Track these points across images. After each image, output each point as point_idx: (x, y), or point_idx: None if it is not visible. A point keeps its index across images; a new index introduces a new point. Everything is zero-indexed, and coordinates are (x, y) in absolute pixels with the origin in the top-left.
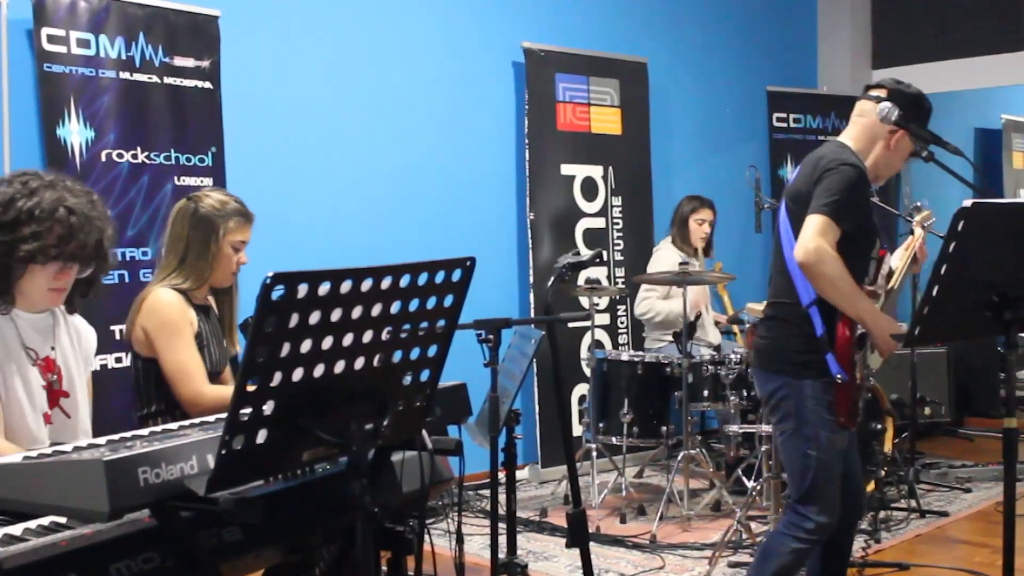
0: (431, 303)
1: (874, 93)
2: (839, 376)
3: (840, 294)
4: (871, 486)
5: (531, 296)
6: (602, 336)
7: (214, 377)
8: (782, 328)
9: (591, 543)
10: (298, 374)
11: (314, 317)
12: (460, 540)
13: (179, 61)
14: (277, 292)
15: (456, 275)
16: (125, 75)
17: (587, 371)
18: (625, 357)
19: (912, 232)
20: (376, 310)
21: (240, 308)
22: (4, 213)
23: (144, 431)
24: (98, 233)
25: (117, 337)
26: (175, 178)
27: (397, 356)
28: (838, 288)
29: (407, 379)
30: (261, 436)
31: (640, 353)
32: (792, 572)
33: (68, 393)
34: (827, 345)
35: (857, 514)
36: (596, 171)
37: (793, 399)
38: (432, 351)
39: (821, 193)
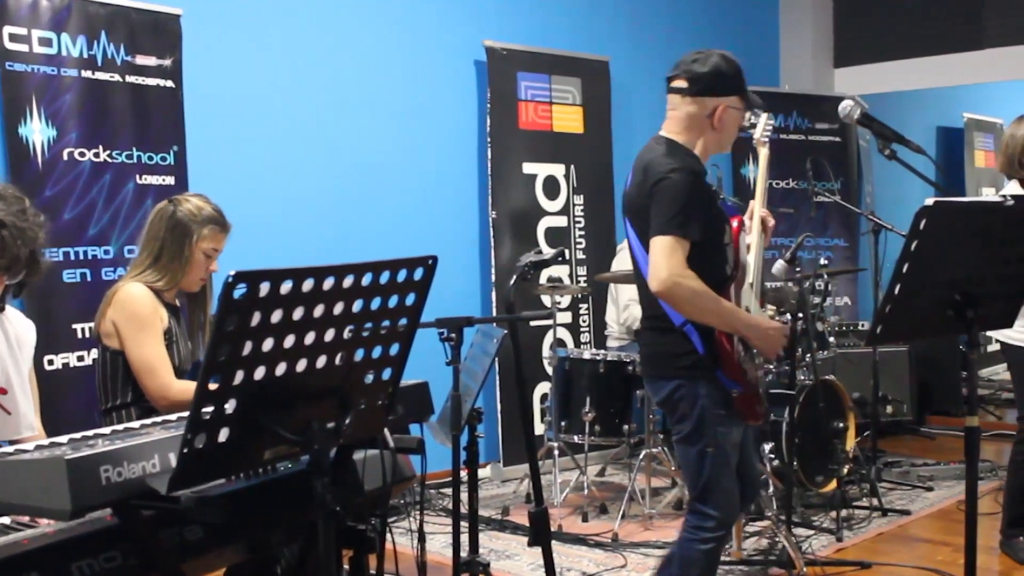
0: (393, 302)
1: (675, 85)
2: (734, 391)
3: (704, 313)
4: (832, 484)
5: (493, 295)
6: (564, 335)
7: (178, 375)
8: (666, 334)
9: (553, 542)
10: (260, 372)
11: (276, 316)
12: (422, 539)
13: (141, 60)
14: (239, 291)
15: (418, 274)
16: (87, 74)
17: (549, 370)
18: (587, 356)
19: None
20: (338, 309)
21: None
22: None
23: (106, 430)
24: (31, 244)
25: (79, 336)
26: (137, 177)
27: (359, 355)
28: (700, 307)
29: (369, 377)
30: (223, 435)
31: (602, 352)
32: (710, 573)
33: (5, 390)
34: (712, 363)
35: (751, 500)
36: (558, 170)
37: (689, 400)
38: (394, 350)
39: (659, 211)
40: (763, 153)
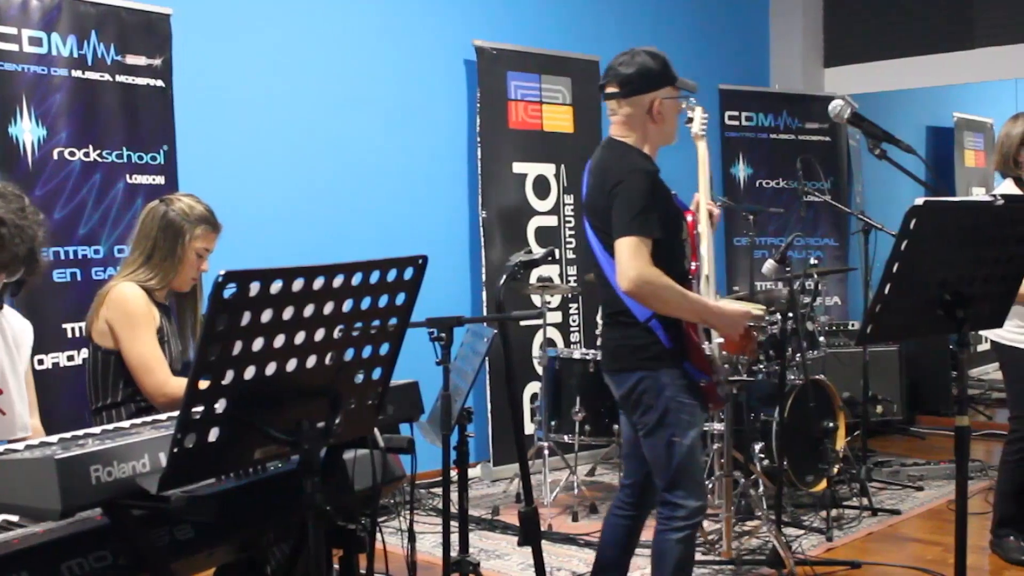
0: (383, 301)
1: (608, 91)
2: (703, 381)
3: (673, 307)
4: (823, 484)
5: (483, 294)
6: (554, 334)
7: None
8: (627, 328)
9: (543, 541)
10: (250, 372)
11: (266, 315)
12: (412, 538)
13: (131, 59)
14: (229, 290)
15: (408, 273)
16: (77, 73)
17: (539, 369)
18: (577, 355)
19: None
20: (328, 308)
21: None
22: None
23: (96, 429)
24: (29, 242)
25: (69, 335)
26: (127, 176)
27: (349, 354)
28: (668, 301)
29: (359, 377)
30: (213, 434)
31: (592, 351)
32: (688, 562)
33: (1, 390)
34: (679, 355)
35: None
36: (548, 169)
37: (653, 391)
38: (384, 349)
39: (622, 211)
40: (701, 146)
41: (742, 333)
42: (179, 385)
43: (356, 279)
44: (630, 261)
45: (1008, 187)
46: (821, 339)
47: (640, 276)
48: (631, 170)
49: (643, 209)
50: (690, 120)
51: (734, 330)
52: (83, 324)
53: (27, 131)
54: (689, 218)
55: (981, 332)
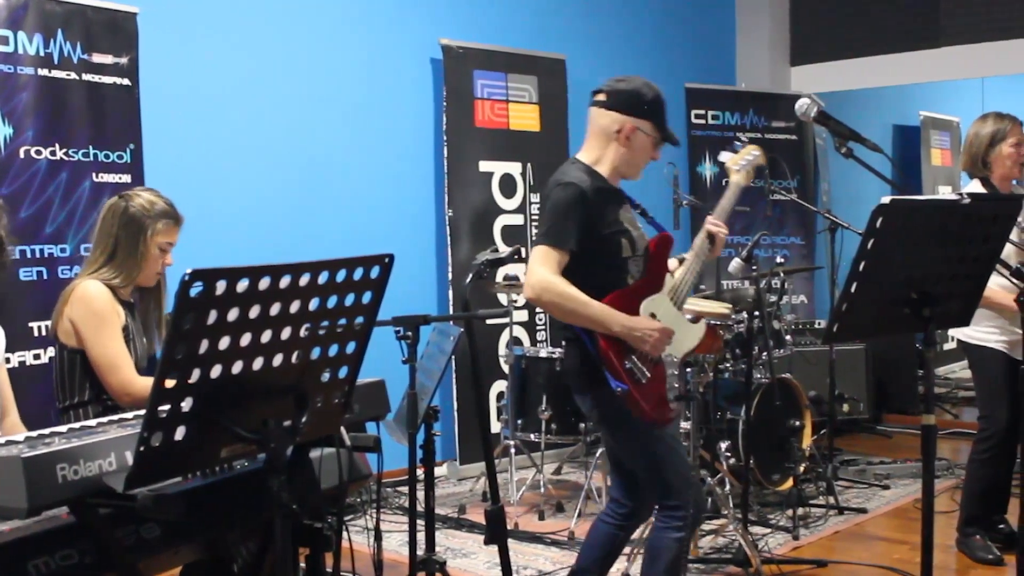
0: (349, 300)
1: (597, 99)
2: (618, 388)
3: (571, 315)
4: (789, 483)
5: (450, 293)
6: (520, 333)
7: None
8: (572, 346)
9: (509, 540)
10: (216, 371)
11: (232, 314)
12: (378, 537)
13: (97, 58)
14: (195, 289)
15: (374, 272)
16: (43, 72)
17: (505, 368)
18: (543, 354)
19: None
20: (294, 307)
21: (167, 307)
22: None
23: (62, 428)
24: None
25: (36, 334)
26: (93, 175)
27: (315, 353)
28: (567, 310)
29: (325, 376)
30: (179, 433)
31: (558, 350)
32: (681, 561)
33: None
34: (600, 362)
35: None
36: (514, 168)
37: (611, 408)
38: (350, 348)
39: (541, 221)
40: (733, 179)
41: (652, 346)
42: (145, 384)
43: (322, 277)
44: (535, 268)
45: (975, 187)
46: (787, 338)
47: (539, 283)
48: (559, 183)
49: (559, 221)
50: (737, 149)
51: (642, 344)
52: (49, 323)
53: None
54: (656, 239)
55: (948, 331)
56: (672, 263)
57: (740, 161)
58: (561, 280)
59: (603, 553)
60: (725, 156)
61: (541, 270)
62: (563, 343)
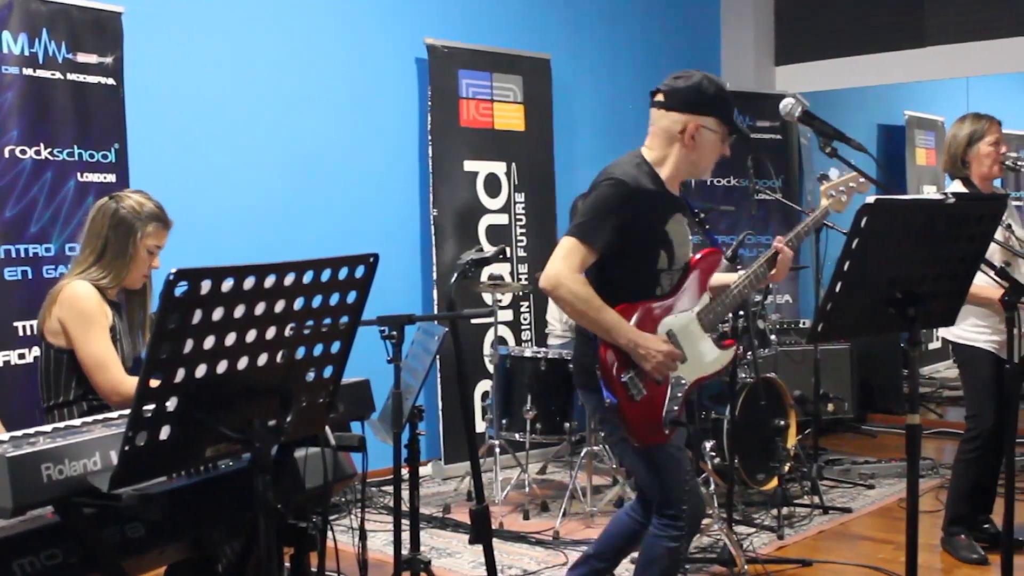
0: (334, 299)
1: (656, 99)
2: (608, 399)
3: (582, 317)
4: (774, 482)
5: (434, 292)
6: (505, 332)
7: None
8: (586, 344)
9: (494, 539)
10: (201, 370)
11: (217, 313)
12: (363, 536)
13: (82, 57)
14: (180, 288)
15: (359, 271)
16: (28, 71)
17: (490, 367)
18: (528, 353)
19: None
20: (279, 306)
21: (152, 308)
22: None
23: (47, 427)
24: None
25: (20, 333)
26: (78, 174)
27: (300, 352)
28: (579, 311)
29: (310, 375)
30: (164, 432)
31: (543, 349)
32: (674, 570)
33: None
34: (596, 367)
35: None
36: (499, 167)
37: (611, 409)
38: (335, 347)
39: (580, 212)
40: (822, 203)
41: (654, 367)
42: (134, 384)
43: (307, 277)
44: (559, 259)
45: (956, 187)
46: (772, 337)
47: (558, 276)
48: (609, 177)
49: (596, 217)
50: (826, 178)
51: (644, 363)
52: (34, 322)
53: None
54: (698, 255)
55: (934, 331)
56: (724, 277)
57: (838, 187)
58: (579, 278)
59: (620, 543)
60: (830, 177)
61: (562, 264)
62: (576, 334)
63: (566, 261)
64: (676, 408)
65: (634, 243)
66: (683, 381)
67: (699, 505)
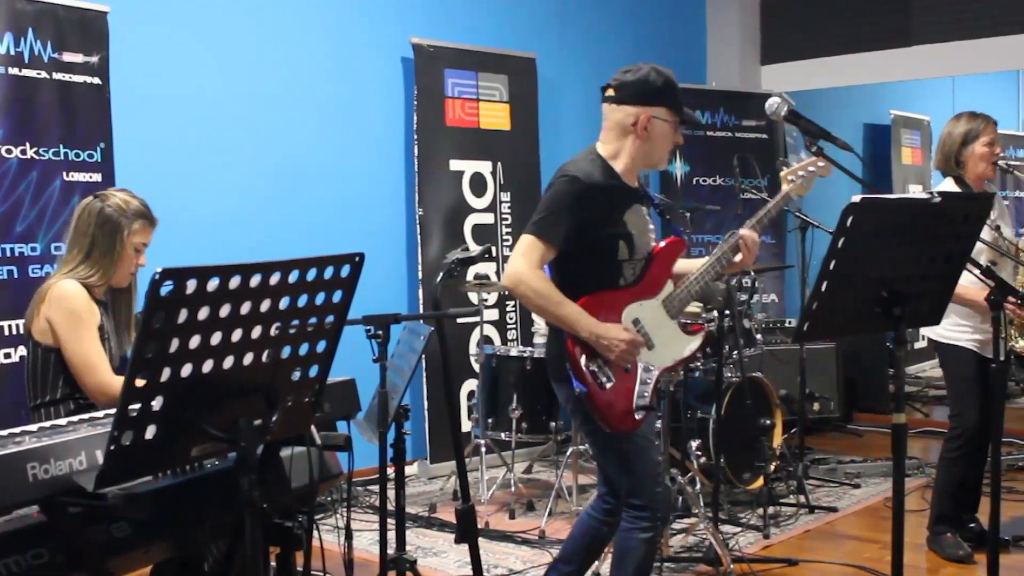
0: (320, 299)
1: (607, 94)
2: (578, 388)
3: (544, 312)
4: (759, 482)
5: (420, 292)
6: (491, 332)
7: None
8: (556, 336)
9: (480, 539)
10: (187, 370)
11: (203, 313)
12: (349, 536)
13: (68, 57)
14: (166, 287)
15: (345, 271)
16: (14, 71)
17: (476, 367)
18: (514, 353)
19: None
20: (265, 306)
21: (137, 307)
22: None
23: (33, 427)
24: None
25: (6, 333)
26: (64, 174)
27: (286, 352)
28: (540, 306)
29: (296, 375)
30: (150, 432)
31: (529, 349)
32: (649, 563)
33: None
34: (565, 358)
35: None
36: (485, 167)
37: (579, 403)
38: (321, 347)
39: (537, 210)
40: (783, 188)
41: (618, 356)
42: (121, 383)
43: (293, 276)
44: (517, 257)
45: (948, 185)
46: (758, 336)
47: (518, 274)
48: (564, 174)
49: (552, 214)
50: (786, 164)
51: (608, 353)
52: (20, 322)
53: None
54: (662, 244)
55: (919, 330)
56: (691, 264)
57: (798, 172)
58: (539, 274)
59: (584, 544)
60: (789, 163)
61: (521, 261)
62: (548, 328)
63: (525, 258)
64: (647, 395)
65: (593, 237)
66: (651, 367)
67: (668, 496)
